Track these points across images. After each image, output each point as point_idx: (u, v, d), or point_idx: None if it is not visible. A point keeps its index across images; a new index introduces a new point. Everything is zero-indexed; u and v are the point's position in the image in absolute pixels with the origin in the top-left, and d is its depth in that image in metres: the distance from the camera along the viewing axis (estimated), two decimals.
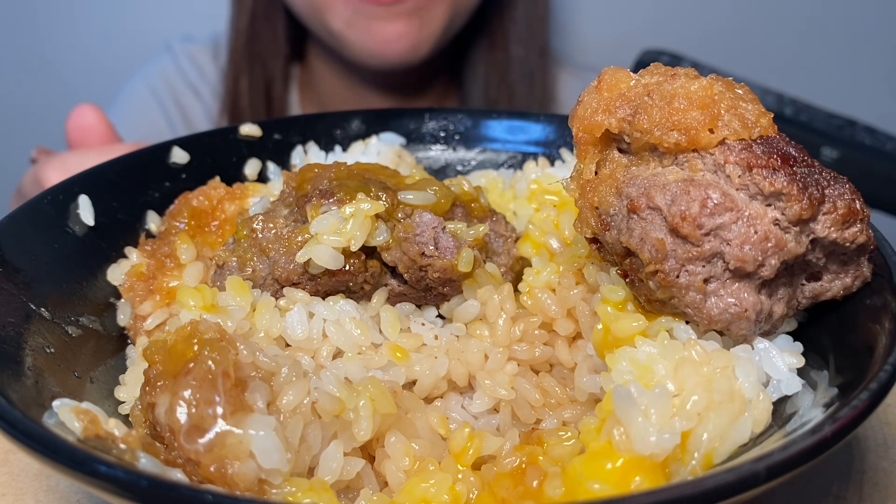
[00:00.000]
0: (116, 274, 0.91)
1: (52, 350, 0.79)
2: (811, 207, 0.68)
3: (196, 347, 0.67)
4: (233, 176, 1.05)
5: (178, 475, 0.63)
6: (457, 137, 1.17)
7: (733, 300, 0.70)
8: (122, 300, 0.90)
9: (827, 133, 1.60)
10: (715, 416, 0.66)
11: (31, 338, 0.77)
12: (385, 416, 0.73)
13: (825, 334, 0.76)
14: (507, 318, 0.84)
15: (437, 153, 1.16)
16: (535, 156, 1.12)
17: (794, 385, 0.72)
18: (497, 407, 0.82)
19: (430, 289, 0.85)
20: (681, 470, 0.66)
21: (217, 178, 1.02)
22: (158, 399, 0.67)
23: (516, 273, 0.90)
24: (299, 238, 0.82)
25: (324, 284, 0.83)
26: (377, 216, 0.82)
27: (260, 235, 0.85)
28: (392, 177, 0.90)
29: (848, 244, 0.71)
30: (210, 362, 0.66)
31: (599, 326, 0.76)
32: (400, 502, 0.71)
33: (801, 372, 0.73)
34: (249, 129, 1.09)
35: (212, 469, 0.63)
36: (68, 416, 0.64)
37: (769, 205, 0.69)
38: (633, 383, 0.67)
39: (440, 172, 1.15)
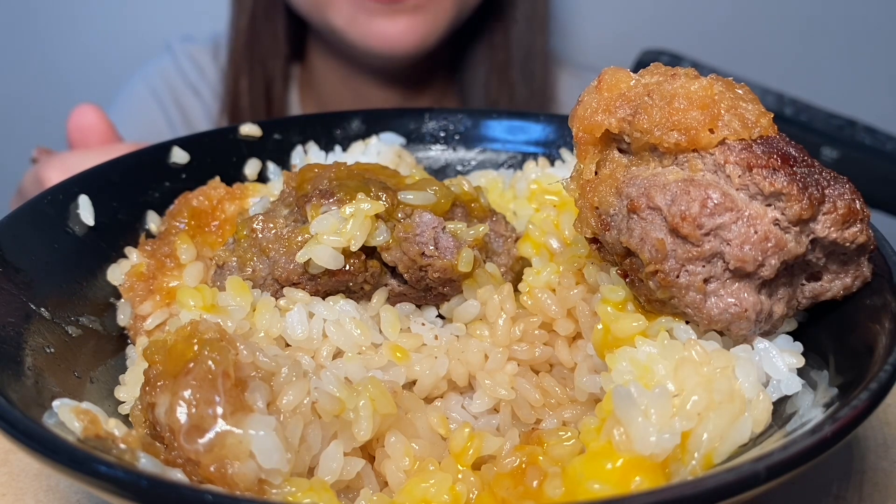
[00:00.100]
0: (116, 274, 0.91)
1: (52, 350, 0.79)
2: (811, 207, 0.68)
3: (196, 347, 0.67)
4: (233, 176, 1.05)
5: (178, 475, 0.63)
6: (457, 137, 1.17)
7: (733, 300, 0.70)
8: (122, 300, 0.90)
9: (827, 133, 1.60)
10: (715, 416, 0.66)
11: (31, 338, 0.77)
12: (385, 416, 0.73)
13: (825, 334, 0.76)
14: (507, 318, 0.84)
15: (437, 153, 1.16)
16: (535, 156, 1.12)
17: (794, 385, 0.72)
18: (497, 407, 0.82)
19: (430, 289, 0.85)
20: (681, 470, 0.66)
21: (217, 178, 1.02)
22: (158, 399, 0.67)
23: (516, 273, 0.90)
24: (299, 238, 0.82)
25: (324, 284, 0.83)
26: (377, 216, 0.82)
27: (260, 235, 0.85)
28: (392, 177, 0.90)
29: (848, 244, 0.71)
30: (210, 362, 0.66)
31: (599, 326, 0.76)
32: (400, 502, 0.71)
33: (801, 372, 0.73)
34: (249, 129, 1.09)
35: (212, 469, 0.63)
36: (68, 416, 0.64)
37: (769, 205, 0.69)
38: (633, 383, 0.67)
39: (440, 172, 1.15)
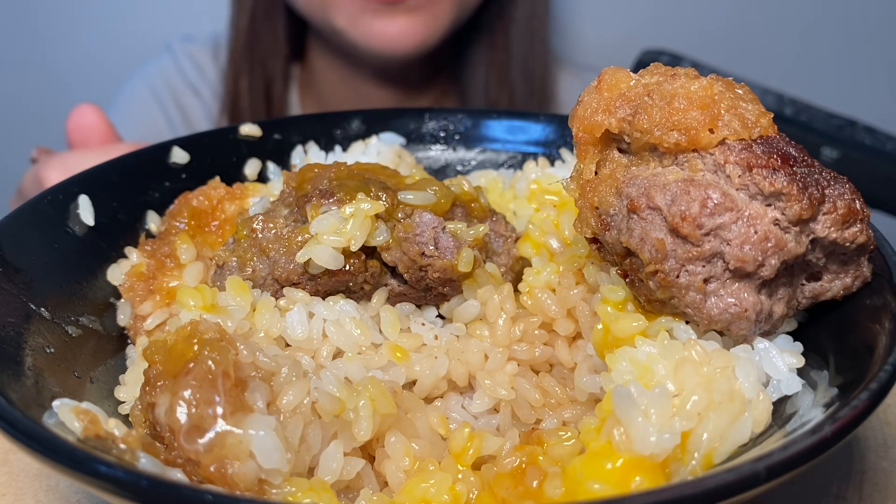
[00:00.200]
0: (116, 274, 0.91)
1: (52, 350, 0.79)
2: (811, 207, 0.68)
3: (196, 347, 0.67)
4: (233, 176, 1.05)
5: (178, 475, 0.63)
6: (457, 137, 1.17)
7: (733, 300, 0.70)
8: (122, 300, 0.90)
9: (827, 133, 1.60)
10: (715, 416, 0.66)
11: (31, 338, 0.77)
12: (385, 416, 0.73)
13: (825, 334, 0.76)
14: (507, 318, 0.84)
15: (437, 153, 1.16)
16: (535, 156, 1.12)
17: (794, 385, 0.72)
18: (497, 407, 0.82)
19: (430, 289, 0.85)
20: (681, 470, 0.66)
21: (217, 178, 1.02)
22: (158, 399, 0.67)
23: (516, 273, 0.90)
24: (299, 238, 0.82)
25: (324, 284, 0.83)
26: (377, 216, 0.82)
27: (260, 235, 0.85)
28: (392, 177, 0.90)
29: (848, 244, 0.71)
30: (210, 362, 0.66)
31: (599, 326, 0.76)
32: (400, 502, 0.71)
33: (801, 372, 0.73)
34: (249, 129, 1.09)
35: (212, 469, 0.63)
36: (68, 416, 0.64)
37: (769, 205, 0.69)
38: (633, 383, 0.67)
39: (440, 172, 1.15)
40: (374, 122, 1.15)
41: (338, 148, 1.12)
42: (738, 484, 0.54)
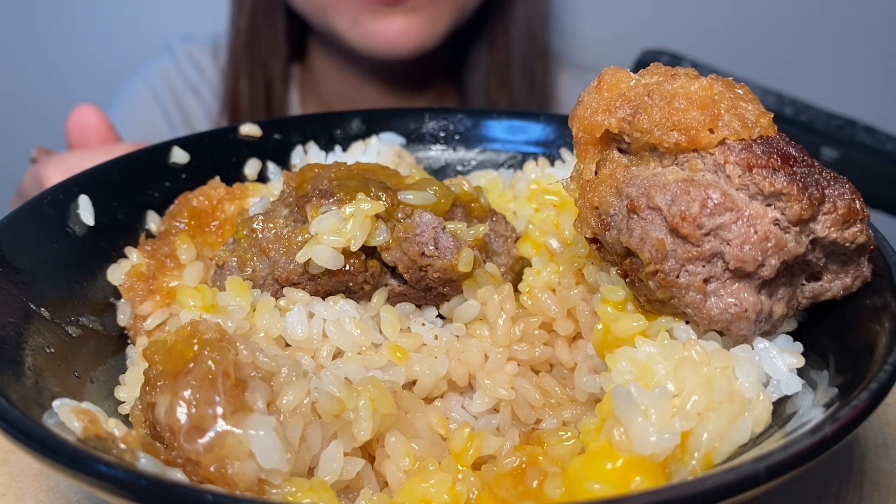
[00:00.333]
0: (116, 274, 0.91)
1: (52, 350, 0.79)
2: (811, 207, 0.68)
3: (196, 347, 0.67)
4: (233, 176, 1.05)
5: (178, 475, 0.63)
6: (457, 137, 1.17)
7: (733, 300, 0.70)
8: (122, 300, 0.90)
9: (827, 133, 1.60)
10: (715, 416, 0.66)
11: (31, 338, 0.77)
12: (385, 416, 0.73)
13: (825, 334, 0.76)
14: (507, 318, 0.84)
15: (437, 153, 1.16)
16: (535, 156, 1.12)
17: (794, 385, 0.72)
18: (497, 407, 0.82)
19: (430, 289, 0.85)
20: (681, 470, 0.66)
21: (217, 178, 1.02)
22: (158, 399, 0.67)
23: (516, 273, 0.90)
24: (299, 238, 0.82)
25: (324, 284, 0.83)
26: (377, 216, 0.82)
27: (260, 235, 0.85)
28: (392, 177, 0.90)
29: (848, 244, 0.71)
30: (210, 362, 0.66)
31: (599, 326, 0.76)
32: (400, 502, 0.71)
33: (801, 372, 0.73)
34: (249, 129, 1.09)
35: (212, 469, 0.63)
36: (68, 416, 0.64)
37: (769, 205, 0.69)
38: (633, 383, 0.67)
39: (440, 172, 1.15)
40: (374, 122, 1.15)
41: (338, 148, 1.12)
42: (738, 484, 0.54)
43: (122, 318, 0.89)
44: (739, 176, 0.69)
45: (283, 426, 0.67)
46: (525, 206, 0.99)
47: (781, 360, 0.72)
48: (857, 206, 0.71)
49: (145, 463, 0.62)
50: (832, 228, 0.70)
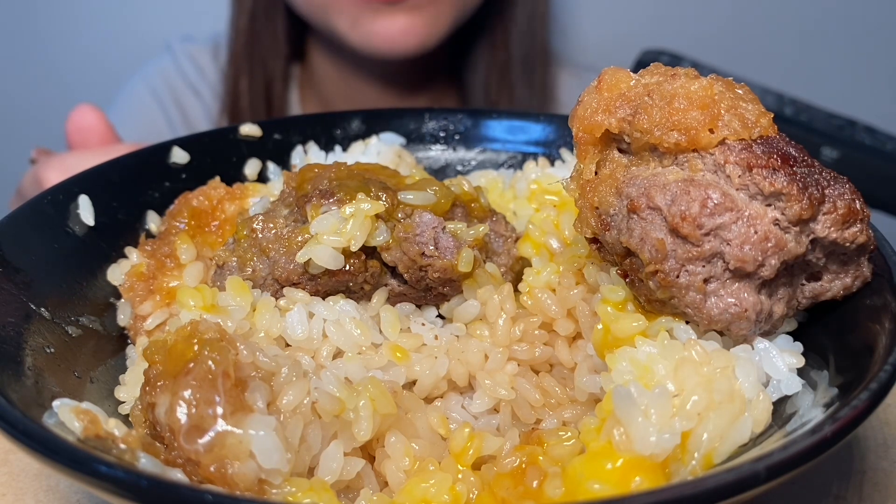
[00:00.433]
0: (116, 274, 0.91)
1: (52, 350, 0.79)
2: (811, 207, 0.68)
3: (196, 347, 0.67)
4: (233, 176, 1.05)
5: (178, 475, 0.63)
6: (457, 137, 1.17)
7: (733, 300, 0.70)
8: (122, 300, 0.90)
9: (827, 133, 1.60)
10: (715, 416, 0.66)
11: (31, 338, 0.77)
12: (385, 416, 0.73)
13: (825, 334, 0.76)
14: (507, 318, 0.84)
15: (437, 153, 1.16)
16: (535, 156, 1.12)
17: (794, 385, 0.72)
18: (497, 407, 0.82)
19: (430, 289, 0.85)
20: (681, 470, 0.66)
21: (217, 178, 1.02)
22: (158, 399, 0.67)
23: (516, 273, 0.90)
24: (299, 238, 0.82)
25: (324, 284, 0.83)
26: (377, 216, 0.82)
27: (260, 235, 0.85)
28: (392, 177, 0.90)
29: (848, 244, 0.71)
30: (210, 362, 0.66)
31: (599, 326, 0.76)
32: (400, 502, 0.71)
33: (801, 372, 0.73)
34: (249, 129, 1.09)
35: (212, 469, 0.63)
36: (68, 416, 0.64)
37: (769, 205, 0.69)
38: (633, 383, 0.67)
39: (440, 172, 1.15)
40: (374, 122, 1.15)
41: (338, 148, 1.12)
42: (738, 484, 0.54)
43: (122, 318, 0.89)
44: (739, 176, 0.69)
45: (283, 426, 0.67)
46: (525, 206, 0.99)
47: (781, 360, 0.72)
48: (857, 206, 0.71)
49: (145, 463, 0.62)
50: (832, 228, 0.70)
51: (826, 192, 0.70)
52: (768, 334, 0.74)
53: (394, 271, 0.85)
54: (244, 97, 1.92)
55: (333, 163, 0.92)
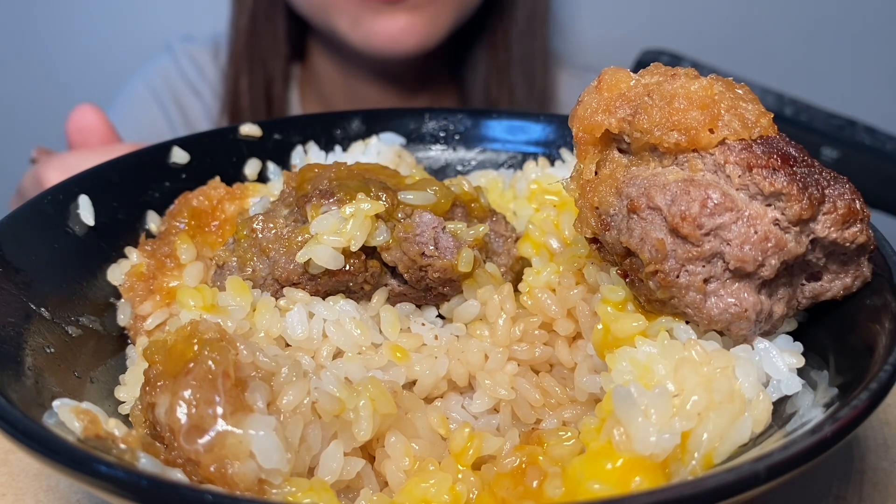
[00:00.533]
0: (116, 274, 0.91)
1: (52, 350, 0.79)
2: (811, 207, 0.68)
3: (196, 347, 0.67)
4: (233, 176, 1.05)
5: (178, 475, 0.63)
6: (457, 137, 1.17)
7: (733, 300, 0.70)
8: (122, 300, 0.90)
9: (827, 133, 1.60)
10: (715, 416, 0.66)
11: (31, 338, 0.77)
12: (385, 416, 0.73)
13: (825, 334, 0.76)
14: (507, 318, 0.84)
15: (437, 153, 1.16)
16: (535, 156, 1.12)
17: (794, 385, 0.72)
18: (497, 407, 0.82)
19: (430, 289, 0.85)
20: (681, 470, 0.66)
21: (217, 178, 1.02)
22: (158, 399, 0.67)
23: (516, 273, 0.90)
24: (299, 238, 0.82)
25: (324, 284, 0.83)
26: (377, 216, 0.82)
27: (260, 235, 0.85)
28: (392, 177, 0.90)
29: (848, 244, 0.71)
30: (210, 362, 0.66)
31: (599, 326, 0.76)
32: (400, 502, 0.71)
33: (801, 372, 0.73)
34: (249, 129, 1.09)
35: (212, 469, 0.63)
36: (68, 416, 0.64)
37: (769, 205, 0.69)
38: (633, 383, 0.67)
39: (440, 172, 1.15)
40: (374, 122, 1.15)
41: (338, 148, 1.12)
42: (738, 484, 0.54)
43: (122, 318, 0.89)
44: (739, 176, 0.69)
45: (283, 426, 0.67)
46: (525, 206, 0.99)
47: (781, 360, 0.72)
48: (857, 206, 0.71)
49: (145, 463, 0.62)
50: (832, 228, 0.70)
51: (826, 192, 0.70)
52: (768, 334, 0.74)
53: (394, 271, 0.85)
54: (244, 97, 1.92)
55: (333, 163, 0.92)
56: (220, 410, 0.65)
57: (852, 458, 0.87)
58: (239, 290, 0.82)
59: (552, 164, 1.07)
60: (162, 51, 2.09)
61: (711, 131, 0.70)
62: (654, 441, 0.64)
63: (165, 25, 2.35)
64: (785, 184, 0.68)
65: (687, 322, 0.74)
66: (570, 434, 0.73)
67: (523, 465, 0.71)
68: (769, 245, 0.69)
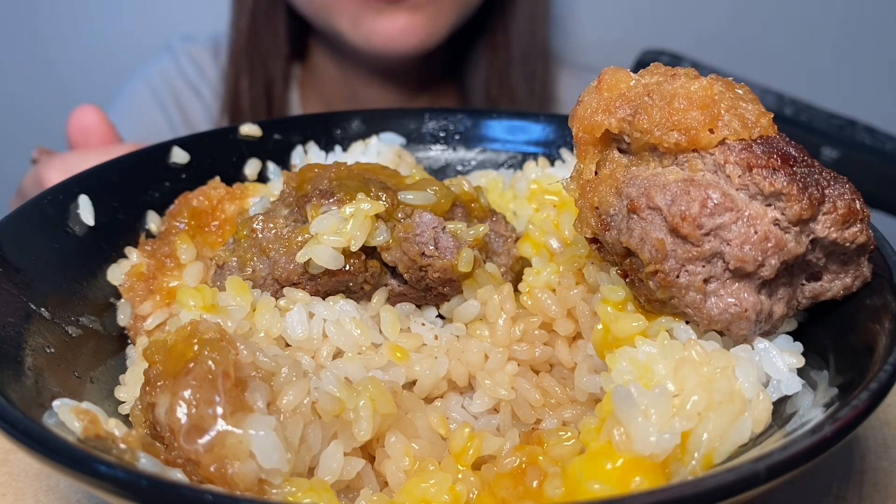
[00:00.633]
0: (116, 274, 0.91)
1: (52, 350, 0.79)
2: (811, 207, 0.68)
3: (196, 347, 0.67)
4: (233, 176, 1.05)
5: (178, 475, 0.63)
6: (457, 137, 1.17)
7: (733, 300, 0.70)
8: (122, 300, 0.90)
9: (827, 133, 1.60)
10: (715, 416, 0.66)
11: (31, 338, 0.77)
12: (385, 416, 0.73)
13: (825, 334, 0.76)
14: (507, 318, 0.84)
15: (437, 153, 1.16)
16: (535, 156, 1.12)
17: (794, 385, 0.72)
18: (497, 407, 0.82)
19: (430, 289, 0.85)
20: (681, 470, 0.66)
21: (217, 178, 1.02)
22: (158, 399, 0.67)
23: (516, 273, 0.90)
24: (299, 238, 0.82)
25: (324, 284, 0.83)
26: (377, 216, 0.82)
27: (260, 235, 0.85)
28: (392, 177, 0.90)
29: (848, 244, 0.71)
30: (210, 362, 0.66)
31: (599, 326, 0.76)
32: (400, 502, 0.71)
33: (801, 372, 0.73)
34: (249, 129, 1.09)
35: (212, 469, 0.63)
36: (68, 416, 0.64)
37: (769, 205, 0.69)
38: (633, 383, 0.67)
39: (440, 172, 1.15)
40: (374, 122, 1.15)
41: (338, 148, 1.12)
42: (738, 484, 0.54)
43: (122, 318, 0.89)
44: (739, 176, 0.69)
45: (283, 426, 0.67)
46: (525, 206, 0.99)
47: (781, 360, 0.72)
48: (857, 206, 0.71)
49: (145, 463, 0.62)
50: (832, 228, 0.70)
51: (826, 192, 0.70)
52: (768, 334, 0.74)
53: (394, 271, 0.85)
54: (244, 97, 1.92)
55: (333, 163, 0.92)
56: (220, 410, 0.65)
57: (852, 458, 0.87)
58: (239, 290, 0.82)
59: (552, 164, 1.07)
60: (162, 51, 2.09)
61: (711, 131, 0.70)
62: (654, 441, 0.64)
63: (165, 25, 2.35)
64: (785, 184, 0.68)
65: (687, 322, 0.74)
66: (570, 434, 0.73)
67: (523, 465, 0.71)
68: (769, 245, 0.69)
